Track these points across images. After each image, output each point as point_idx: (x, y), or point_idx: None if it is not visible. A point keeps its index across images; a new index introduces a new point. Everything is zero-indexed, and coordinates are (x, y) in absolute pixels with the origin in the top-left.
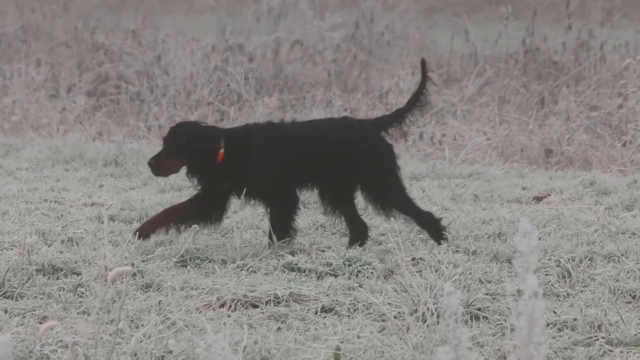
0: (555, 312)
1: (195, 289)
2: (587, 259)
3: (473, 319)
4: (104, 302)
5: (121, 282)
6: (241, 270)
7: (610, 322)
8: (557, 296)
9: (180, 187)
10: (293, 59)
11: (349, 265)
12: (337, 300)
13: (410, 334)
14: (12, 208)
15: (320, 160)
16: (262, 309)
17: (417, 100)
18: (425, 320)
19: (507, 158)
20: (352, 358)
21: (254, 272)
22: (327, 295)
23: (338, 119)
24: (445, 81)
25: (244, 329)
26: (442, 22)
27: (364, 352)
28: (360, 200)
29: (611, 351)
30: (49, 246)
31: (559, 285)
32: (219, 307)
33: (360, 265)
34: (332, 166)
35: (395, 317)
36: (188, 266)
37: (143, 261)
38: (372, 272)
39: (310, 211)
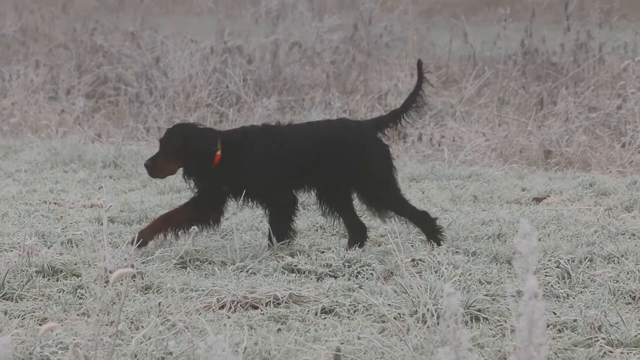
0: (555, 313)
1: (195, 291)
2: (586, 260)
3: (473, 320)
4: (104, 304)
5: (121, 284)
6: (241, 271)
7: (611, 323)
8: (557, 297)
9: (180, 188)
10: (292, 61)
11: (349, 267)
12: (337, 302)
13: (411, 335)
14: (11, 210)
15: (317, 162)
16: (262, 310)
17: (414, 101)
18: (426, 322)
19: (507, 159)
20: (352, 359)
21: (254, 273)
22: (327, 297)
23: (335, 121)
24: (444, 83)
25: (244, 331)
26: (441, 24)
27: (364, 353)
28: (358, 201)
29: (611, 352)
30: (48, 248)
31: (558, 286)
32: (219, 309)
33: (360, 267)
34: (329, 167)
35: (395, 318)
36: (188, 268)
37: (143, 263)
38: (372, 274)
39: (309, 213)
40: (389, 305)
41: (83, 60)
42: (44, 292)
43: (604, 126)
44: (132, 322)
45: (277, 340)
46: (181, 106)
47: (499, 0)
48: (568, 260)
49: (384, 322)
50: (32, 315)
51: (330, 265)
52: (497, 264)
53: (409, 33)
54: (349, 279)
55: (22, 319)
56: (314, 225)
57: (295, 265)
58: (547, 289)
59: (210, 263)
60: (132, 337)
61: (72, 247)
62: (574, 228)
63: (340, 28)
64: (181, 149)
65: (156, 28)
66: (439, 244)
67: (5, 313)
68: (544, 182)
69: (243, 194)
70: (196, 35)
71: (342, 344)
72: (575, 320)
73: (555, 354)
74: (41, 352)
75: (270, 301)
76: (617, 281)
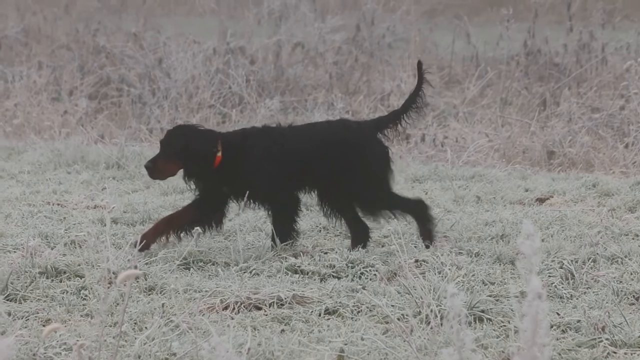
0: (558, 314)
1: (199, 292)
2: (590, 260)
3: (476, 321)
4: (108, 305)
5: (124, 285)
6: (244, 272)
7: (614, 324)
8: (561, 298)
9: (183, 189)
10: (294, 62)
11: (352, 267)
12: (340, 302)
13: (414, 336)
14: (14, 211)
15: (318, 163)
16: (265, 311)
17: (414, 101)
18: (429, 322)
19: (510, 160)
20: None
21: (257, 274)
22: (331, 297)
23: (335, 121)
24: (447, 83)
25: (248, 331)
26: (443, 25)
27: (368, 354)
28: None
29: (615, 353)
30: (52, 249)
31: (562, 287)
32: (223, 310)
33: (363, 267)
34: (329, 168)
35: (398, 319)
36: (191, 269)
37: (146, 264)
38: (375, 274)
39: (312, 213)
40: (392, 306)
41: (86, 62)
42: (47, 293)
43: (607, 127)
44: (135, 323)
45: (280, 341)
46: (184, 107)
47: (501, 0)
48: (571, 260)
49: (387, 323)
50: (35, 316)
51: (334, 266)
52: (500, 264)
53: (411, 34)
54: (352, 280)
55: (26, 320)
56: (317, 226)
57: (299, 266)
58: (550, 289)
59: (213, 264)
60: (135, 338)
61: (76, 248)
62: (577, 229)
63: (342, 29)
64: (181, 150)
65: (159, 29)
66: (430, 240)
67: (9, 314)
68: (547, 183)
69: (245, 196)
70: (199, 36)
71: (345, 344)
72: (578, 321)
73: (559, 354)
74: (45, 353)
75: (273, 302)
76: (621, 282)
